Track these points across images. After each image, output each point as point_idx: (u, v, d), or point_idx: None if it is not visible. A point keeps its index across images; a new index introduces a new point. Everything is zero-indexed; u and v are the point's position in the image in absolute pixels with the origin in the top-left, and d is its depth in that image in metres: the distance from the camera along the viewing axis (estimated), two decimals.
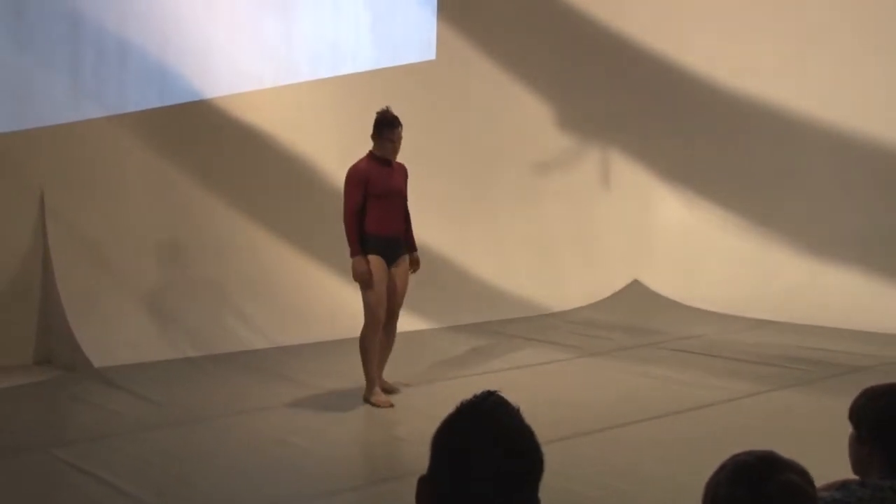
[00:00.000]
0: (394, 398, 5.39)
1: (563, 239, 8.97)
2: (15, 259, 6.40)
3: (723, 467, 1.54)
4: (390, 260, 5.33)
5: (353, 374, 5.95)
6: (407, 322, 7.19)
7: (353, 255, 5.25)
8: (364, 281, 5.23)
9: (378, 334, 5.33)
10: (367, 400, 5.33)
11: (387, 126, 5.32)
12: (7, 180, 6.39)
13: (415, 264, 5.56)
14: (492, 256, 8.58)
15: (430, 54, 8.66)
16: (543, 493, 1.41)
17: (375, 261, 5.26)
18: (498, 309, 8.15)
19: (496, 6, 8.96)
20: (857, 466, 2.03)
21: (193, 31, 7.28)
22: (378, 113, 5.41)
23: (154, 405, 5.25)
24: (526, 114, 9.08)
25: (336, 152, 7.77)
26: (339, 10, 8.16)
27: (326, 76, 8.04)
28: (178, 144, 7.17)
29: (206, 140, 7.31)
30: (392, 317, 5.44)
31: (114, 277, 6.67)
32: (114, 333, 6.35)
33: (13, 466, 4.22)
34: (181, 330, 6.70)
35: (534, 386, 5.64)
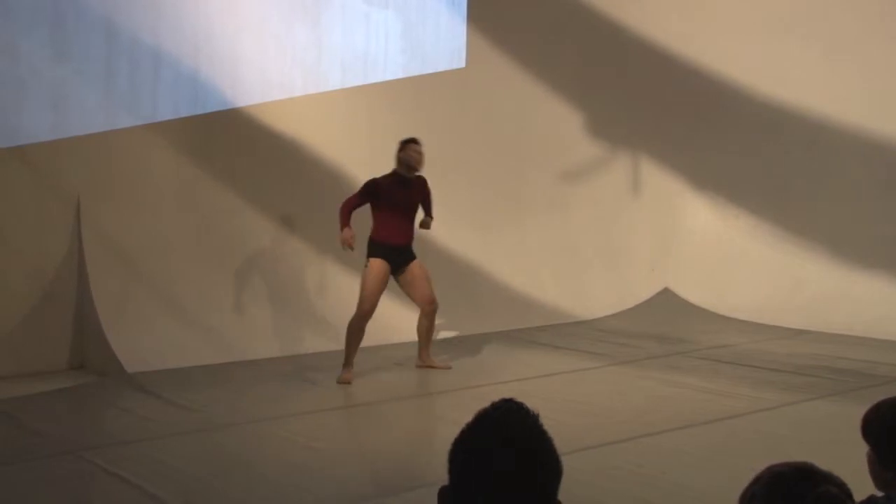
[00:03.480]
0: (422, 406, 5.48)
1: (593, 247, 8.93)
2: (51, 266, 6.50)
3: (758, 478, 1.52)
4: (396, 265, 6.08)
5: (380, 381, 5.97)
6: (435, 329, 7.21)
7: (342, 224, 5.97)
8: (345, 244, 5.95)
9: (364, 324, 6.01)
10: (339, 380, 5.93)
11: (405, 143, 6.14)
12: (44, 188, 6.50)
13: (426, 223, 6.36)
14: (521, 264, 8.56)
15: (460, 62, 8.69)
16: (570, 502, 1.40)
17: (379, 263, 6.01)
18: (527, 317, 8.12)
19: (526, 14, 8.96)
20: (879, 484, 2.00)
21: (224, 41, 7.36)
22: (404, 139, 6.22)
23: (184, 410, 5.29)
24: (555, 121, 9.06)
25: (366, 160, 7.81)
26: (369, 19, 8.21)
27: (356, 84, 8.09)
28: (209, 152, 7.25)
29: (236, 148, 7.39)
30: (429, 302, 6.19)
31: (146, 284, 6.75)
32: (146, 340, 6.43)
33: (47, 469, 4.27)
34: (211, 336, 6.76)
35: (563, 394, 5.62)
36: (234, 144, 7.38)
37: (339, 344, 6.99)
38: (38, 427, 4.99)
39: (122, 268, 6.69)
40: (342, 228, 5.98)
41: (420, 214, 6.36)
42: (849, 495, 1.49)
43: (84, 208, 6.57)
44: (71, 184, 6.58)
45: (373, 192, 6.06)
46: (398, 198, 6.09)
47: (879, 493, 1.97)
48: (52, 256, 6.51)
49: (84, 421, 5.48)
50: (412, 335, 6.47)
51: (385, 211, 6.05)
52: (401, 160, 6.14)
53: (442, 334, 7.56)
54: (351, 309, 6.12)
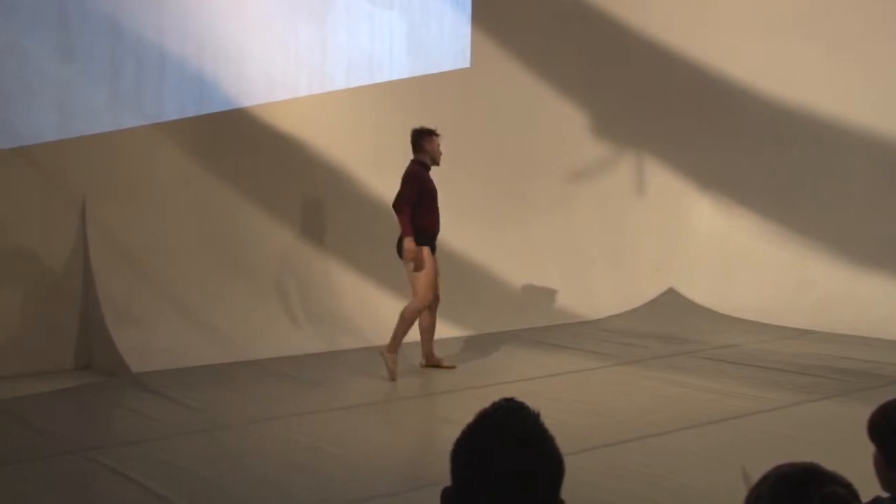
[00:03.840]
0: (426, 406, 5.50)
1: (598, 246, 8.93)
2: (57, 266, 6.52)
3: (765, 479, 1.51)
4: (433, 251, 6.20)
5: (385, 381, 5.96)
6: (440, 329, 7.22)
7: (409, 234, 6.01)
8: (416, 261, 6.02)
9: (422, 314, 6.15)
10: (387, 365, 5.95)
11: (430, 134, 6.19)
12: (50, 188, 6.52)
13: None
14: (525, 264, 8.56)
15: (465, 62, 8.68)
16: (575, 502, 1.40)
17: (429, 252, 6.10)
18: (531, 316, 8.12)
19: (531, 14, 8.95)
20: (885, 484, 1.99)
21: (229, 41, 7.37)
22: (421, 128, 6.24)
23: (189, 410, 5.30)
24: (560, 121, 9.06)
25: (370, 160, 7.81)
26: (374, 19, 8.22)
27: (361, 84, 8.10)
28: (214, 152, 7.26)
29: (241, 148, 7.40)
30: (437, 298, 6.30)
31: (152, 284, 6.77)
32: (151, 339, 6.44)
33: (53, 468, 4.29)
34: (216, 336, 6.76)
35: (568, 394, 5.61)
36: (239, 144, 7.39)
37: (347, 344, 7.02)
38: (44, 426, 5.00)
39: (128, 268, 6.70)
40: (411, 236, 6.00)
41: None
42: (855, 496, 1.48)
43: (89, 208, 6.59)
44: (76, 184, 6.59)
45: (419, 183, 6.11)
46: (433, 187, 6.21)
47: (885, 494, 1.97)
48: (58, 256, 6.53)
49: (90, 420, 5.49)
50: (415, 335, 6.46)
51: (426, 201, 6.12)
52: (430, 152, 6.20)
53: (447, 334, 7.56)
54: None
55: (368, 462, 4.45)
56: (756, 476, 1.55)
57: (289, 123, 7.60)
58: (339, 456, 4.45)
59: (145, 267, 6.78)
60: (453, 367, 6.35)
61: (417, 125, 6.34)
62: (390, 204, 6.23)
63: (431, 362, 6.36)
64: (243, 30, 7.47)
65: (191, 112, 7.17)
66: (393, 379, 5.93)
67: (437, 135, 6.25)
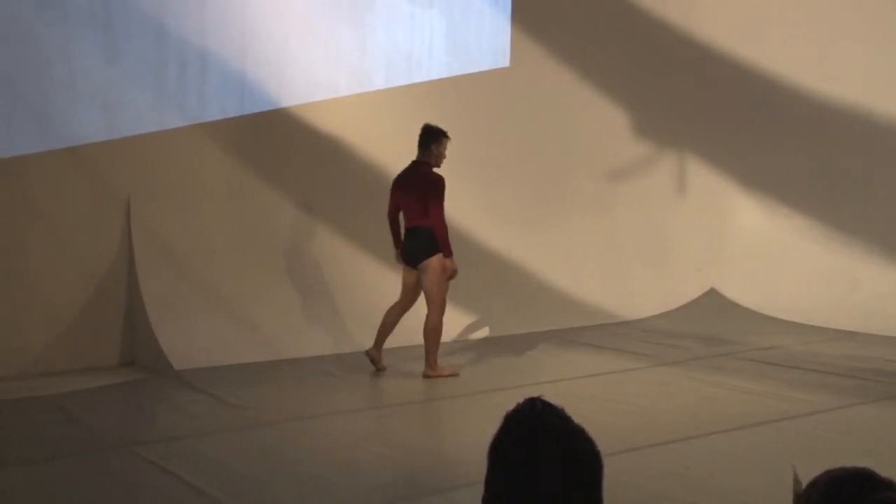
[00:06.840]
0: (465, 405, 5.49)
1: (638, 246, 8.85)
2: (103, 265, 6.64)
3: (814, 483, 1.48)
4: None
5: (423, 380, 5.98)
6: (478, 329, 7.23)
7: (450, 254, 5.88)
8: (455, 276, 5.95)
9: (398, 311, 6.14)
10: (444, 376, 5.93)
11: (444, 136, 6.07)
12: (95, 188, 6.64)
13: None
14: (565, 264, 8.51)
15: (504, 61, 8.66)
16: (614, 503, 1.39)
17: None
18: (570, 317, 8.08)
19: (570, 13, 8.90)
20: None
21: (270, 42, 7.44)
22: (436, 127, 6.03)
23: (231, 408, 5.37)
24: (600, 121, 9.00)
25: (410, 160, 7.83)
26: (414, 19, 8.23)
27: (400, 84, 8.12)
28: (255, 152, 7.34)
29: (282, 147, 7.47)
30: (413, 303, 6.22)
31: (194, 283, 6.86)
32: (194, 337, 6.53)
33: (99, 463, 4.37)
34: (258, 334, 6.84)
35: (607, 395, 5.58)
36: (279, 144, 7.46)
37: (387, 343, 7.04)
38: (91, 422, 5.10)
39: (170, 266, 6.80)
40: (451, 254, 5.89)
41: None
42: None
43: (134, 207, 6.70)
44: (121, 183, 6.71)
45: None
46: None
47: None
48: (103, 255, 6.65)
49: (134, 416, 5.58)
50: (457, 335, 6.45)
51: (442, 206, 5.97)
52: (438, 154, 6.05)
53: (485, 334, 7.56)
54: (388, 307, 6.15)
55: (410, 461, 4.47)
56: (805, 479, 1.52)
57: (328, 123, 7.65)
58: (380, 454, 4.47)
59: (188, 265, 6.88)
60: (384, 369, 6.18)
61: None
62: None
63: (375, 358, 6.17)
64: (284, 31, 7.54)
65: (232, 112, 7.26)
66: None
67: (448, 138, 6.06)
